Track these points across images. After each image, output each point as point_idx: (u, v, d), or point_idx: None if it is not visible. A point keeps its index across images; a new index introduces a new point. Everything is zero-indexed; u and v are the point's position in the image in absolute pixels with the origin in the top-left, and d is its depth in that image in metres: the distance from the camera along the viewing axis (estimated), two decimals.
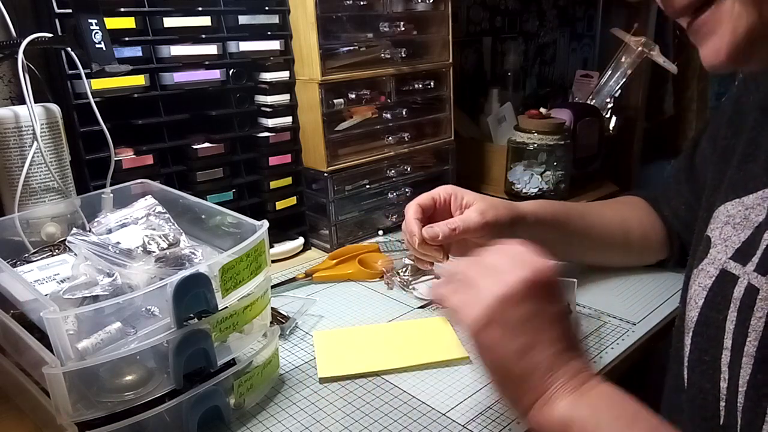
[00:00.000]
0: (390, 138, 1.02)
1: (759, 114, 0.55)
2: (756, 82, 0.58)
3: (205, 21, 0.82)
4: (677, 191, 0.77)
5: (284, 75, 0.91)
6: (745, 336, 0.45)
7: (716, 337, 0.48)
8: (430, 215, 0.72)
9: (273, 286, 0.80)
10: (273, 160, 0.93)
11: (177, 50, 0.80)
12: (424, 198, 0.72)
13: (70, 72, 0.72)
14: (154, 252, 0.58)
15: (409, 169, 1.06)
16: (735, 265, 0.49)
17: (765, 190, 0.50)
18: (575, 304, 0.75)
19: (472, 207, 0.70)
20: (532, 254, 0.47)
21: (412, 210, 0.70)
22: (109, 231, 0.62)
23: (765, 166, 0.51)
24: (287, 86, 0.92)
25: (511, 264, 0.46)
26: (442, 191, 0.72)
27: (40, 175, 0.68)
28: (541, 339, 0.44)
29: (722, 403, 0.47)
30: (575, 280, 0.72)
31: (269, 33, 0.89)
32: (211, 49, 0.83)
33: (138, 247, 0.58)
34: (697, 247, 0.57)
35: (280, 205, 0.95)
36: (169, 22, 0.79)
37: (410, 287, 0.80)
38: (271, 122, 0.92)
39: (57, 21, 0.70)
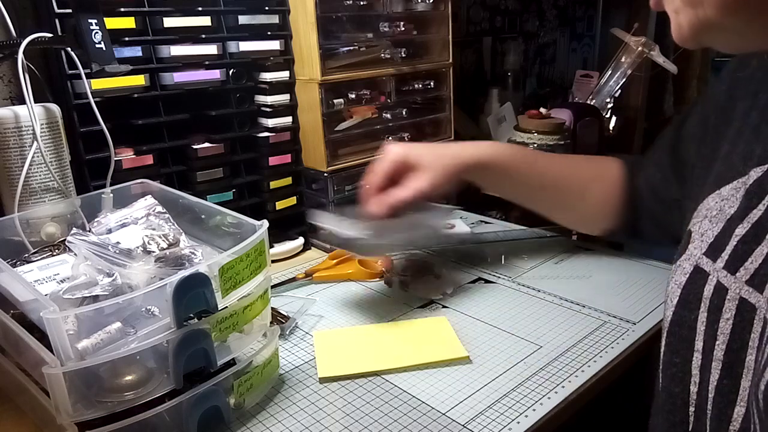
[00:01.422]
0: (390, 138, 1.02)
1: (749, 102, 0.53)
2: (749, 70, 0.55)
3: (205, 21, 0.83)
4: (657, 160, 0.75)
5: (284, 75, 0.91)
6: (714, 339, 0.43)
7: (688, 338, 0.46)
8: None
9: (273, 286, 0.80)
10: (273, 160, 0.93)
11: (177, 50, 0.80)
12: (380, 178, 0.76)
13: (70, 72, 0.72)
14: (154, 252, 0.58)
15: None
16: (706, 261, 0.47)
17: (739, 180, 0.47)
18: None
19: (420, 176, 0.74)
20: None
21: (369, 193, 0.76)
22: (109, 231, 0.62)
23: (743, 154, 0.49)
24: (287, 86, 0.92)
25: None
26: (390, 159, 0.76)
27: (40, 175, 0.68)
28: None
29: (691, 409, 0.45)
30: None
31: (269, 33, 0.89)
32: (211, 49, 0.83)
33: (138, 247, 0.58)
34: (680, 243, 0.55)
35: (280, 205, 0.95)
36: (169, 22, 0.79)
37: (410, 287, 0.80)
38: (271, 122, 0.92)
39: (57, 21, 0.70)
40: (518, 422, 0.55)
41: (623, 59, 1.45)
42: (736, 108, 0.55)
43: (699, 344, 0.45)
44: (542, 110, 1.21)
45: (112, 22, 0.73)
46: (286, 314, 0.74)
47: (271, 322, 0.61)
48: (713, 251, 0.46)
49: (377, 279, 0.84)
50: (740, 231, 0.44)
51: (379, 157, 0.77)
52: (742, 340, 0.42)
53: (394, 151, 0.76)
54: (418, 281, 0.81)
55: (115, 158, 0.75)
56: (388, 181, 0.75)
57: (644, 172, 0.77)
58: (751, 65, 0.55)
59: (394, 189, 0.74)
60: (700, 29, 0.36)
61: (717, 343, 0.43)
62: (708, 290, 0.45)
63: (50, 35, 0.67)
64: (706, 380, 0.44)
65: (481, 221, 1.09)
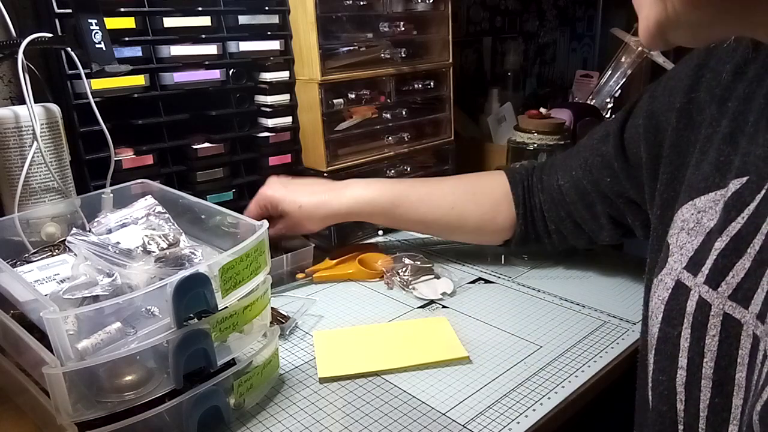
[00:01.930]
0: (390, 138, 1.02)
1: (716, 108, 0.52)
2: (713, 72, 0.54)
3: (205, 21, 0.83)
4: (593, 161, 0.73)
5: (284, 75, 0.91)
6: (701, 356, 0.42)
7: (672, 355, 0.45)
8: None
9: (273, 286, 0.80)
10: (273, 160, 0.93)
11: (177, 50, 0.80)
12: (252, 212, 0.83)
13: (70, 72, 0.72)
14: (154, 252, 0.58)
15: (409, 169, 1.06)
16: (687, 276, 0.46)
17: (717, 192, 0.46)
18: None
19: (283, 220, 0.82)
20: None
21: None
22: (109, 231, 0.62)
23: (716, 164, 0.48)
24: (287, 86, 0.92)
25: None
26: (259, 200, 0.83)
27: (40, 175, 0.68)
28: None
29: (680, 427, 0.44)
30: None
31: (269, 33, 0.89)
32: (211, 49, 0.83)
33: (138, 247, 0.58)
34: (656, 254, 0.53)
35: None
36: (169, 22, 0.79)
37: (410, 287, 0.80)
38: (271, 122, 0.92)
39: (57, 21, 0.70)
40: (518, 422, 0.55)
41: (623, 59, 1.45)
42: (703, 111, 0.53)
43: (683, 361, 0.44)
44: (542, 110, 1.21)
45: (112, 22, 0.73)
46: (286, 314, 0.74)
47: (271, 322, 0.61)
48: (693, 265, 0.45)
49: (377, 279, 0.84)
50: (719, 245, 0.43)
51: (263, 188, 0.84)
52: (729, 356, 0.41)
53: (263, 192, 0.83)
54: (418, 281, 0.81)
55: (115, 158, 0.75)
56: (265, 211, 0.83)
57: (562, 174, 0.78)
58: (716, 69, 0.54)
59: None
60: (667, 25, 0.36)
61: (705, 360, 0.42)
62: (690, 306, 0.44)
63: (50, 35, 0.67)
64: (695, 398, 0.43)
65: None
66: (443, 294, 0.79)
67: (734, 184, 0.45)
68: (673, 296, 0.47)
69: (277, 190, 0.83)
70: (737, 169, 0.46)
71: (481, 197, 0.83)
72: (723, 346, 0.41)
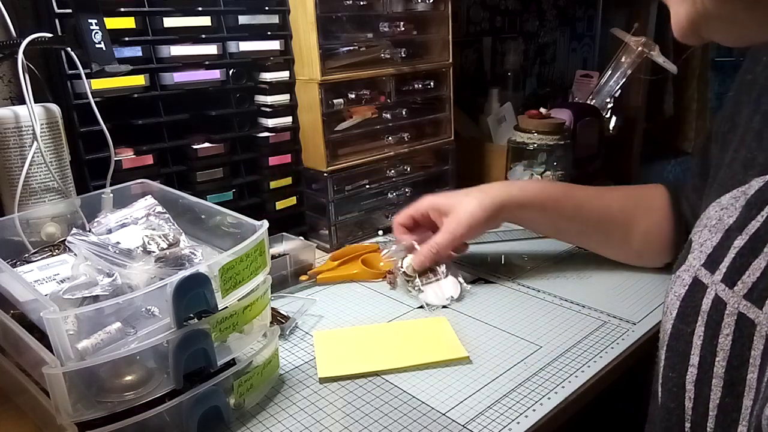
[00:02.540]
0: (390, 138, 1.02)
1: (752, 107, 0.52)
2: (753, 74, 0.54)
3: (205, 21, 0.83)
4: (693, 185, 0.72)
5: (284, 75, 0.91)
6: (713, 355, 0.42)
7: (684, 352, 0.45)
8: (416, 224, 0.83)
9: (276, 288, 0.80)
10: (273, 160, 0.93)
11: (177, 50, 0.80)
12: (404, 218, 0.81)
13: (70, 72, 0.72)
14: (154, 252, 0.58)
15: (409, 169, 1.06)
16: (705, 273, 0.45)
17: (739, 189, 0.46)
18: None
19: (450, 217, 0.77)
20: None
21: (396, 231, 0.83)
22: (109, 231, 0.62)
23: (743, 161, 0.48)
24: (287, 86, 0.92)
25: None
26: (420, 207, 0.80)
27: (40, 175, 0.68)
28: None
29: (687, 425, 0.44)
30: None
31: (269, 33, 0.89)
32: (211, 49, 0.83)
33: (138, 247, 0.58)
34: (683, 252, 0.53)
35: (280, 205, 0.95)
36: (169, 22, 0.79)
37: (417, 289, 0.79)
38: (271, 122, 0.92)
39: (57, 21, 0.70)
40: (518, 422, 0.55)
41: (623, 59, 1.45)
42: (741, 113, 0.54)
43: (695, 359, 0.44)
44: (542, 110, 1.21)
45: (112, 22, 0.73)
46: (286, 314, 0.74)
47: (271, 322, 0.61)
48: (712, 263, 0.45)
49: (380, 279, 0.84)
50: (738, 243, 0.43)
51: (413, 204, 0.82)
52: (742, 356, 0.41)
53: (427, 200, 0.79)
54: (425, 287, 0.80)
55: (115, 158, 0.75)
56: (414, 223, 0.80)
57: (687, 200, 0.75)
58: (756, 70, 0.54)
59: (431, 234, 0.78)
60: (699, 21, 0.36)
61: (717, 359, 0.42)
62: (706, 303, 0.44)
63: (50, 35, 0.67)
64: (705, 396, 0.43)
65: None
66: (450, 299, 0.77)
67: (757, 182, 0.45)
68: (690, 293, 0.46)
69: (439, 196, 0.80)
70: (760, 166, 0.45)
71: (650, 209, 0.77)
72: (736, 346, 0.41)
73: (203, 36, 0.83)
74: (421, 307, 0.77)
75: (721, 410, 0.42)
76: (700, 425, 0.43)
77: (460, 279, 0.80)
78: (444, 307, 0.76)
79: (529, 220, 0.82)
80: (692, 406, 0.44)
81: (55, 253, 0.62)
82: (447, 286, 0.79)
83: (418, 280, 0.79)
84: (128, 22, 0.76)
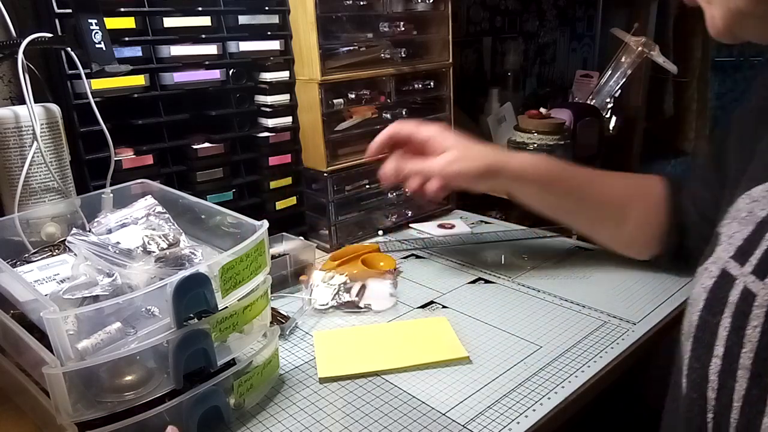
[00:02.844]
0: None
1: None
2: None
3: (205, 21, 0.83)
4: (702, 178, 0.72)
5: (284, 75, 0.91)
6: (740, 346, 0.42)
7: (708, 343, 0.45)
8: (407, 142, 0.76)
9: (276, 288, 0.80)
10: (273, 160, 0.93)
11: (177, 50, 0.80)
12: (402, 130, 0.74)
13: (70, 72, 0.72)
14: (154, 252, 0.58)
15: None
16: (734, 265, 0.45)
17: None
18: None
19: (445, 154, 0.72)
20: None
21: (386, 134, 0.76)
22: (109, 231, 0.62)
23: None
24: (287, 86, 0.92)
25: None
26: (427, 131, 0.74)
27: (40, 175, 0.68)
28: None
29: (710, 415, 0.44)
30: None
31: (269, 33, 0.89)
32: (211, 49, 0.83)
33: (138, 247, 0.58)
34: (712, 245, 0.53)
35: (280, 205, 0.95)
36: (169, 22, 0.79)
37: (363, 306, 0.77)
38: (271, 122, 0.92)
39: (57, 21, 0.70)
40: (518, 422, 0.55)
41: (623, 59, 1.45)
42: None
43: (719, 349, 0.44)
44: (542, 110, 1.21)
45: (112, 22, 0.73)
46: (286, 314, 0.74)
47: (271, 322, 0.61)
48: (741, 255, 0.45)
49: (385, 279, 0.84)
50: None
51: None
52: None
53: (432, 126, 0.73)
54: (366, 298, 0.78)
55: (115, 158, 0.75)
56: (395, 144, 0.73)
57: (687, 189, 0.74)
58: None
59: (422, 159, 0.71)
60: (733, 20, 0.36)
61: (743, 351, 0.42)
62: (734, 295, 0.44)
63: (50, 35, 0.67)
64: (729, 387, 0.43)
65: (481, 221, 1.09)
66: (392, 295, 0.78)
67: None
68: (717, 284, 0.46)
69: (429, 128, 0.74)
70: None
71: (648, 197, 0.77)
72: (764, 338, 0.41)
73: (203, 36, 0.83)
74: (422, 307, 0.77)
75: (746, 401, 0.42)
76: (724, 416, 0.43)
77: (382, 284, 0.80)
78: (444, 307, 0.76)
79: (523, 192, 0.79)
80: (715, 397, 0.44)
81: (55, 253, 0.62)
82: (380, 288, 0.79)
83: (356, 298, 0.78)
84: (128, 22, 0.76)
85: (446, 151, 0.73)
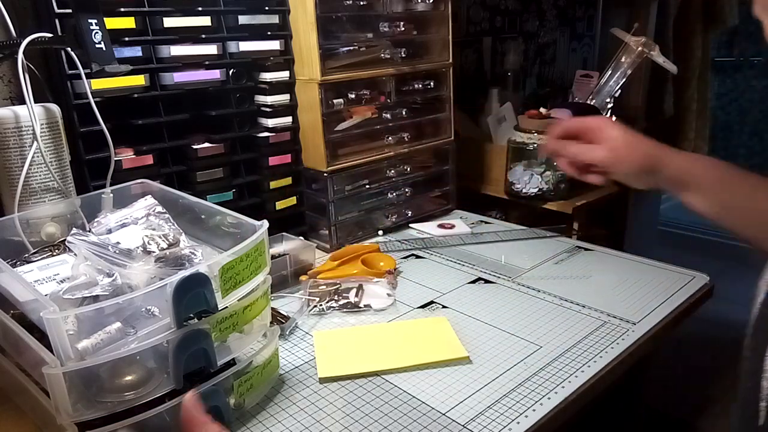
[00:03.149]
0: (390, 138, 1.02)
1: None
2: None
3: (205, 21, 0.82)
4: None
5: (284, 75, 0.91)
6: None
7: (765, 335, 0.46)
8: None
9: (276, 288, 0.80)
10: (273, 160, 0.93)
11: (177, 50, 0.80)
12: (568, 129, 0.74)
13: (70, 72, 0.72)
14: (154, 252, 0.58)
15: (409, 169, 1.06)
16: None
17: None
18: None
19: (606, 143, 0.71)
20: None
21: (558, 129, 0.74)
22: (109, 231, 0.62)
23: None
24: (287, 86, 0.92)
25: None
26: (594, 120, 0.73)
27: (40, 175, 0.68)
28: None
29: (763, 404, 0.45)
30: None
31: (269, 33, 0.89)
32: (211, 49, 0.83)
33: (138, 247, 0.58)
34: None
35: (280, 205, 0.95)
36: (169, 22, 0.79)
37: (363, 306, 0.78)
38: (271, 122, 0.92)
39: (57, 21, 0.70)
40: (518, 422, 0.55)
41: (623, 59, 1.45)
42: None
43: None
44: (542, 110, 1.21)
45: (112, 22, 0.73)
46: (286, 314, 0.74)
47: (271, 322, 0.61)
48: None
49: (381, 279, 0.84)
50: None
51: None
52: None
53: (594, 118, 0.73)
54: (365, 298, 0.79)
55: (115, 158, 0.75)
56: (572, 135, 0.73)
57: None
58: None
59: (585, 145, 0.71)
60: None
61: None
62: None
63: (50, 35, 0.67)
64: None
65: (481, 221, 1.09)
66: (389, 295, 0.78)
67: None
68: None
69: (596, 118, 0.74)
70: None
71: None
72: None
73: (203, 36, 0.83)
74: (422, 307, 0.77)
75: None
76: None
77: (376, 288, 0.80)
78: (444, 307, 0.76)
79: (685, 194, 0.72)
80: None
81: (55, 253, 0.62)
82: (375, 289, 0.79)
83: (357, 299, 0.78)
84: (128, 22, 0.76)
85: (608, 142, 0.71)
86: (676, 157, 0.70)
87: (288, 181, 0.95)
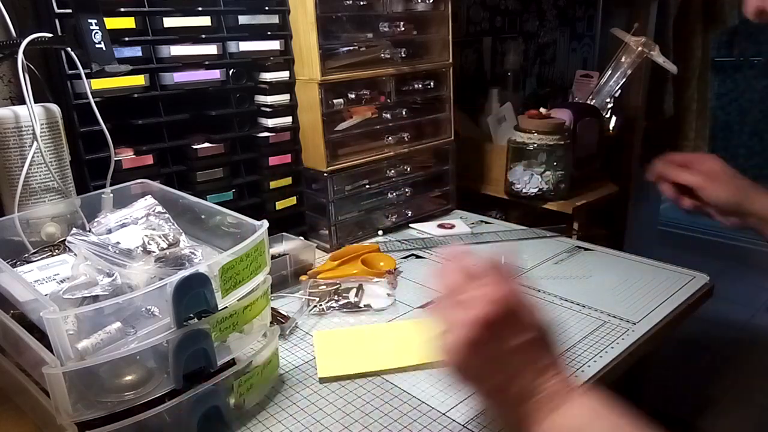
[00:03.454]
0: (390, 138, 1.02)
1: None
2: None
3: (205, 21, 0.83)
4: None
5: (284, 75, 0.91)
6: None
7: None
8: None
9: (276, 288, 0.80)
10: (273, 160, 0.93)
11: (177, 50, 0.80)
12: (674, 159, 0.78)
13: (70, 72, 0.72)
14: (153, 252, 0.58)
15: (408, 169, 1.06)
16: None
17: None
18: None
19: (701, 177, 0.74)
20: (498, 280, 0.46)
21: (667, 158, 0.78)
22: (109, 231, 0.62)
23: None
24: (287, 86, 0.92)
25: (474, 301, 0.45)
26: (694, 155, 0.78)
27: (40, 175, 0.68)
28: (509, 375, 0.44)
29: None
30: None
31: (269, 33, 0.89)
32: (211, 49, 0.83)
33: (138, 247, 0.58)
34: None
35: (280, 205, 0.95)
36: (169, 22, 0.79)
37: (362, 306, 0.78)
38: (271, 122, 0.92)
39: (57, 21, 0.70)
40: None
41: (623, 59, 1.45)
42: None
43: None
44: (542, 110, 1.21)
45: (112, 22, 0.73)
46: (286, 314, 0.74)
47: (271, 322, 0.61)
48: None
49: (381, 279, 0.84)
50: None
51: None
52: None
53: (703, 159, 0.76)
54: (364, 298, 0.79)
55: (115, 158, 0.75)
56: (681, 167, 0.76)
57: None
58: None
59: (685, 171, 0.75)
60: None
61: None
62: None
63: (50, 35, 0.67)
64: None
65: (481, 221, 1.09)
66: (389, 295, 0.78)
67: None
68: None
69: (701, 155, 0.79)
70: None
71: None
72: None
73: (203, 36, 0.83)
74: (422, 306, 0.77)
75: None
76: None
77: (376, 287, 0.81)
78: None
79: None
80: None
81: (55, 253, 0.62)
82: (375, 289, 0.80)
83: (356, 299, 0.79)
84: (128, 22, 0.76)
85: (707, 170, 0.76)
86: (760, 198, 0.73)
87: (288, 181, 0.95)
